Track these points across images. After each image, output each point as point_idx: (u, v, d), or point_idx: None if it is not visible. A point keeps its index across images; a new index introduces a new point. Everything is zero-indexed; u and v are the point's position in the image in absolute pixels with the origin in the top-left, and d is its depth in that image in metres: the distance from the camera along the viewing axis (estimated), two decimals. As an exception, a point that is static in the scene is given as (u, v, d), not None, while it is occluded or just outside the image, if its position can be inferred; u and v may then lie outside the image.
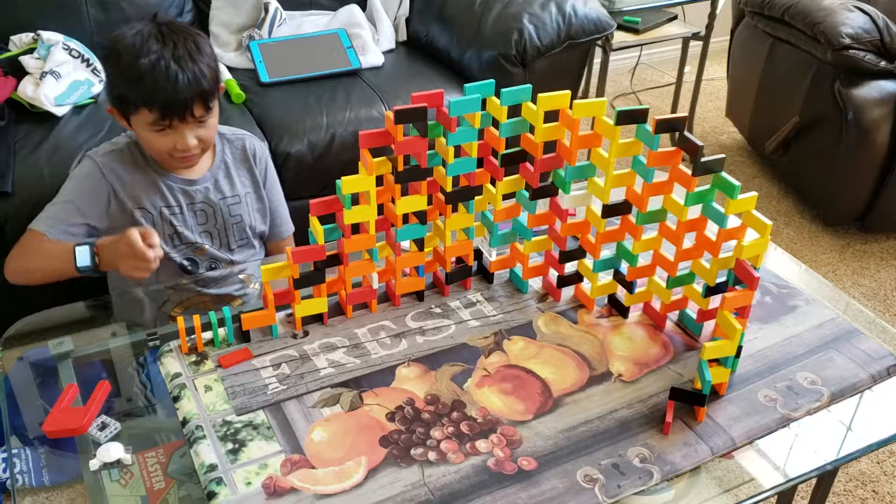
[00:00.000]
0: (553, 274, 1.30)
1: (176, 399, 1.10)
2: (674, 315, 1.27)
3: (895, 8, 2.51)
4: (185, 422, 1.06)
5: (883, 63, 2.19)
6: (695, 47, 2.79)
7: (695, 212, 1.16)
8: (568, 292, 1.31)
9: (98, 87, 1.93)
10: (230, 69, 2.12)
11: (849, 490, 1.63)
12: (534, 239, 1.27)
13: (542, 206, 1.26)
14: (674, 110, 2.88)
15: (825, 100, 2.28)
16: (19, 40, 1.96)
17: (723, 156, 1.12)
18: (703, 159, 1.10)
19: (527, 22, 2.05)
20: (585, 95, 3.07)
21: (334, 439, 1.04)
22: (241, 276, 1.42)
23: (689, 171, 1.11)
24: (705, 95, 2.94)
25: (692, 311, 1.25)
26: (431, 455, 1.02)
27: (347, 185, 1.13)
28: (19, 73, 1.88)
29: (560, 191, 1.22)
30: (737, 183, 1.10)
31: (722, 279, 1.19)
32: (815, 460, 1.07)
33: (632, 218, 1.20)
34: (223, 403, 1.09)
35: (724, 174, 1.12)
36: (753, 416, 1.11)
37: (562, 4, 2.10)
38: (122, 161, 1.44)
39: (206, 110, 1.37)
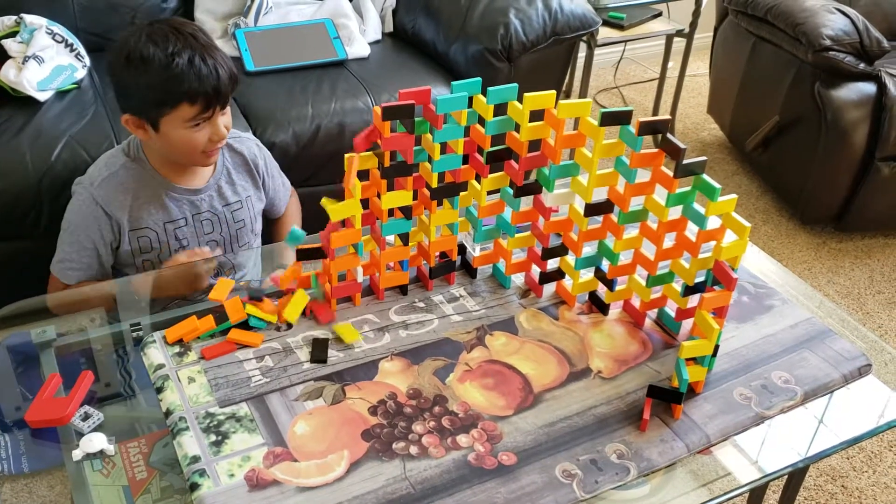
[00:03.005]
0: (535, 270, 1.32)
1: (159, 390, 1.10)
2: (653, 313, 1.30)
3: (874, 10, 2.55)
4: (168, 413, 1.07)
5: (862, 65, 2.22)
6: (678, 43, 2.81)
7: (675, 212, 1.18)
8: (550, 289, 1.33)
9: (82, 73, 1.92)
10: (215, 57, 2.10)
11: (819, 485, 1.67)
12: (517, 235, 1.29)
13: (526, 203, 1.27)
14: (656, 106, 2.90)
15: (805, 100, 2.31)
16: (1, 23, 1.94)
17: (704, 158, 1.14)
18: (684, 161, 1.12)
19: (513, 17, 2.06)
20: (570, 90, 3.09)
21: (317, 432, 1.05)
22: (240, 284, 1.41)
23: (671, 173, 1.13)
24: (687, 92, 2.97)
25: (671, 309, 1.27)
26: (413, 449, 1.03)
27: (335, 213, 1.15)
28: (1, 56, 1.87)
29: (544, 189, 1.23)
30: (717, 185, 1.12)
31: (700, 279, 1.21)
32: (789, 457, 1.10)
33: (614, 217, 1.22)
34: (206, 395, 1.09)
35: (705, 176, 1.14)
36: (729, 413, 1.13)
37: (548, 0, 2.11)
38: (120, 185, 1.43)
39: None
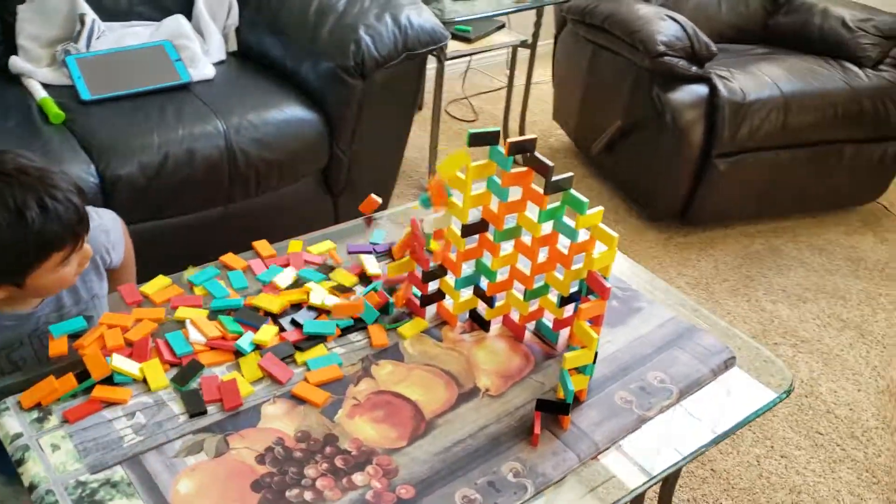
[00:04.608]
0: (416, 293, 1.31)
1: (19, 462, 1.00)
2: (531, 325, 1.32)
3: (698, 14, 2.72)
4: (32, 487, 0.97)
5: (694, 68, 2.37)
6: (523, 52, 2.88)
7: (547, 227, 1.21)
8: (431, 311, 1.32)
9: None
10: (45, 86, 1.95)
11: (690, 471, 1.75)
12: (398, 261, 1.27)
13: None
14: (506, 115, 2.97)
15: (645, 103, 2.43)
16: None
17: (571, 174, 1.16)
18: (553, 178, 1.14)
19: (363, 33, 2.04)
20: (422, 103, 3.11)
21: (202, 489, 0.99)
22: None
23: (541, 190, 1.15)
24: (533, 99, 3.06)
25: (548, 320, 1.30)
26: (307, 495, 0.99)
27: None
28: None
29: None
30: (585, 199, 1.15)
31: (574, 289, 1.24)
32: (671, 456, 1.14)
33: (489, 236, 1.23)
34: (74, 462, 1.00)
35: (573, 191, 1.16)
36: (612, 419, 1.16)
37: (397, 16, 2.10)
38: None
39: None
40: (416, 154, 2.86)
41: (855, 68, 2.55)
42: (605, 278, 1.15)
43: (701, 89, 2.37)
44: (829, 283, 2.40)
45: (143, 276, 1.59)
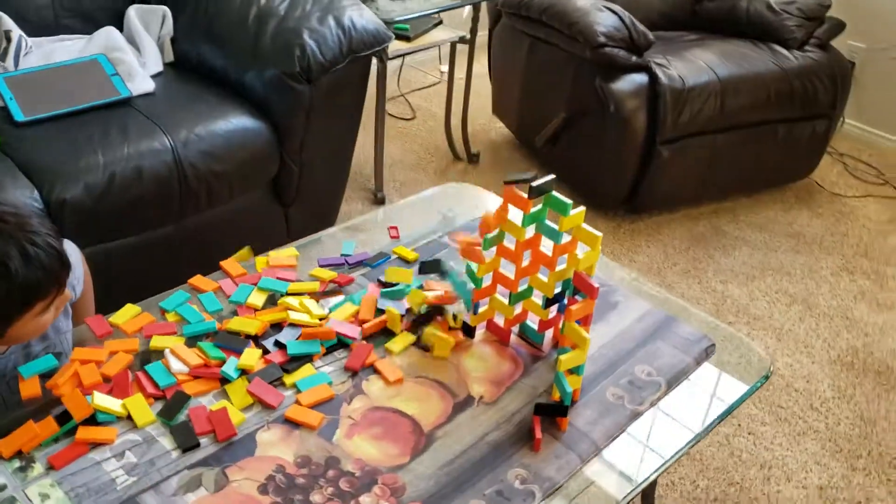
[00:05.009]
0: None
1: (7, 518, 0.95)
2: (514, 328, 1.32)
3: (629, 3, 2.75)
4: (25, 543, 0.92)
5: (634, 58, 2.41)
6: (458, 46, 2.87)
7: (529, 231, 1.21)
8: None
9: None
10: (-26, 109, 1.85)
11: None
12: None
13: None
14: (448, 111, 2.96)
15: (588, 94, 2.46)
16: None
17: (552, 177, 1.17)
18: (534, 183, 1.14)
19: (307, 38, 1.99)
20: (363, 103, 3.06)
21: (208, 527, 0.95)
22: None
23: (525, 194, 1.15)
24: (473, 93, 3.05)
25: (533, 322, 1.30)
26: (318, 522, 0.97)
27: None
28: None
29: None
30: (568, 201, 1.16)
31: (558, 290, 1.24)
32: (654, 462, 1.16)
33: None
34: (67, 511, 0.95)
35: (555, 193, 1.17)
36: (607, 416, 1.17)
37: (340, 18, 2.06)
38: None
39: None
40: (360, 156, 2.83)
41: (783, 50, 2.63)
42: (590, 278, 1.16)
43: (641, 78, 2.41)
44: (774, 260, 2.49)
45: (99, 303, 1.53)
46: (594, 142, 2.54)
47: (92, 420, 1.07)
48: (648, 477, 1.11)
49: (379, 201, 2.68)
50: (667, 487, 1.70)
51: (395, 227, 1.56)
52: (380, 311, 1.29)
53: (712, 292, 2.32)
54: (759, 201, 2.80)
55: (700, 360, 1.31)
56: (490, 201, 1.71)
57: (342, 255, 1.46)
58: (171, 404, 1.11)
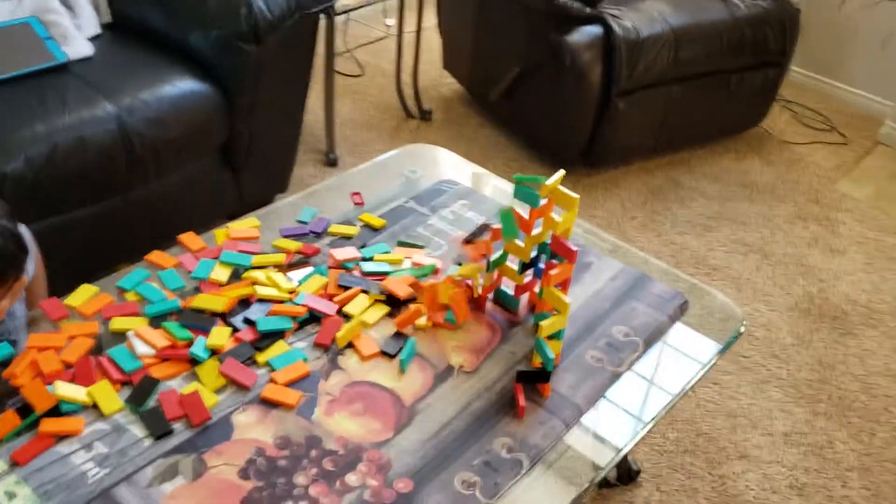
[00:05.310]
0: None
1: (-28, 521, 0.90)
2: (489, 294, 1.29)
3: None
4: (-6, 546, 0.87)
5: (588, 9, 2.37)
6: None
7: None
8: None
9: None
10: None
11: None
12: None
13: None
14: (398, 67, 2.88)
15: (542, 48, 2.42)
16: None
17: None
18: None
19: (253, -5, 1.90)
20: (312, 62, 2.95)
21: (190, 517, 0.92)
22: None
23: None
24: (422, 48, 2.98)
25: (508, 287, 1.27)
26: (305, 505, 0.94)
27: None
28: None
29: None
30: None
31: (534, 254, 1.22)
32: (632, 425, 1.16)
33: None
34: (38, 510, 0.91)
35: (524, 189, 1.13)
36: (588, 379, 1.16)
37: (286, -27, 1.97)
38: None
39: None
40: (310, 117, 2.74)
41: (733, -2, 2.63)
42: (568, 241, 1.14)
43: (595, 30, 2.38)
44: (729, 210, 2.51)
45: (48, 284, 1.45)
46: (550, 96, 2.50)
47: (55, 411, 1.01)
48: (629, 442, 1.11)
49: (331, 163, 2.61)
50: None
51: (359, 194, 1.51)
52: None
53: (671, 245, 2.34)
54: (713, 151, 2.81)
55: (675, 317, 1.31)
56: (451, 162, 1.67)
57: (298, 221, 1.41)
58: (140, 390, 1.06)
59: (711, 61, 2.56)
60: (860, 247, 2.38)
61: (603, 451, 1.08)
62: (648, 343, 1.24)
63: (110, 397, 1.04)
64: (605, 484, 1.60)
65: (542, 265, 1.22)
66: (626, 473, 1.61)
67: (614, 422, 1.12)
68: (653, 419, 1.14)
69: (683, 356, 1.25)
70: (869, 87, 3.09)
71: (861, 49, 3.05)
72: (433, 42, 3.09)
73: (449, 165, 1.66)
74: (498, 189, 1.59)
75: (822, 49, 3.17)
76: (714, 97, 2.66)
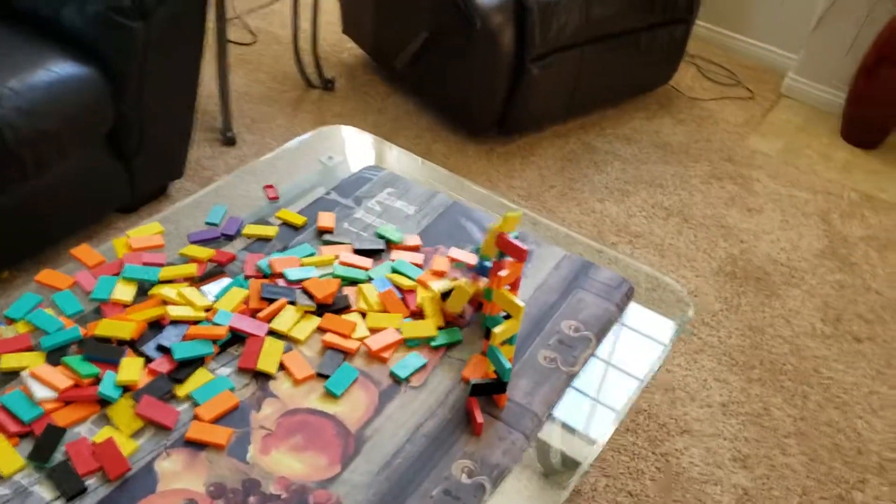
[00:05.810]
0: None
1: None
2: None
3: None
4: None
5: (496, -29, 2.26)
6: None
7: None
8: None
9: None
10: None
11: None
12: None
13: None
14: (294, 33, 2.70)
15: (450, 11, 2.30)
16: None
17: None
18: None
19: (134, -36, 1.70)
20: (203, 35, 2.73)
21: None
22: None
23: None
24: (319, 10, 2.79)
25: (448, 286, 1.18)
26: (250, 566, 0.83)
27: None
28: None
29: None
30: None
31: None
32: (609, 416, 1.09)
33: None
34: None
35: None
36: (543, 384, 1.09)
37: (169, -62, 1.77)
38: None
39: None
40: (202, 92, 2.54)
41: (639, -45, 2.57)
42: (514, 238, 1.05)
43: (506, -8, 2.27)
44: (645, 173, 2.48)
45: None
46: (460, 62, 2.39)
47: (-61, 479, 0.86)
48: (605, 434, 1.04)
49: (229, 142, 2.43)
50: (578, 424, 1.67)
51: (272, 187, 1.37)
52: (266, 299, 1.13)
53: (591, 213, 2.29)
54: (624, 111, 2.77)
55: (622, 305, 1.24)
56: (370, 144, 1.55)
57: (207, 223, 1.27)
58: (43, 442, 0.91)
59: (622, 20, 2.50)
60: (776, 204, 2.40)
61: (580, 446, 1.01)
62: (599, 336, 1.18)
63: (8, 454, 0.89)
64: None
65: (488, 264, 1.13)
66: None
67: (588, 414, 1.06)
68: (623, 408, 1.08)
69: (644, 337, 1.19)
70: (771, 39, 3.11)
71: (762, 1, 3.07)
72: (330, 3, 2.91)
73: (368, 148, 1.54)
74: (426, 171, 1.48)
75: (724, 1, 3.17)
76: (625, 56, 2.61)
